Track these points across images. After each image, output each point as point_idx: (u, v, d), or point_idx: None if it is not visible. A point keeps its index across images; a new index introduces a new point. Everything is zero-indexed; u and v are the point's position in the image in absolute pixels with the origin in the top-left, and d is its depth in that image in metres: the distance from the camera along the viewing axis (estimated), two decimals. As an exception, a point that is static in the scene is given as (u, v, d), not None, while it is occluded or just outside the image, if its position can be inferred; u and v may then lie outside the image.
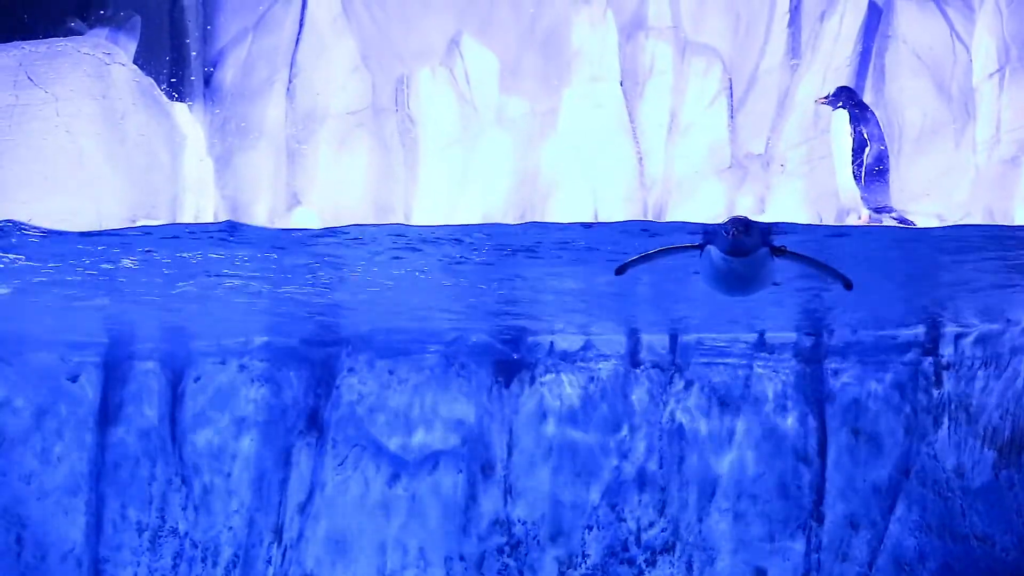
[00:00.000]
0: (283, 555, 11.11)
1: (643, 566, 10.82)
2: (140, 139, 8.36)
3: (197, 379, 11.41)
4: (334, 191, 9.16)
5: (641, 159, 9.31)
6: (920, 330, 10.26)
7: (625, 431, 11.02)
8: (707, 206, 9.10)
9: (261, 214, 8.95)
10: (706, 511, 10.76)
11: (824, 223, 8.81)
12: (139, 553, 11.25)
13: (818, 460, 10.67)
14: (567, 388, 11.12)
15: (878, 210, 8.41)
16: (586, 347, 11.17)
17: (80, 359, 11.39)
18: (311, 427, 11.36)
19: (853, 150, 8.47)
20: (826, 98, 8.63)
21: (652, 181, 9.29)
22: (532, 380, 11.17)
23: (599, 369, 11.13)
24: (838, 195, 8.70)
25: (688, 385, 11.00)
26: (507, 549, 10.96)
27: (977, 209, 8.65)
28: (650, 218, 9.14)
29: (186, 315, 10.35)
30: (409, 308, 9.98)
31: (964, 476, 9.59)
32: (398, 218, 9.16)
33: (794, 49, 9.52)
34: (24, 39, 8.22)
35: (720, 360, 10.98)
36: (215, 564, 11.20)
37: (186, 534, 11.28)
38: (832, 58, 9.24)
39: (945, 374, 10.03)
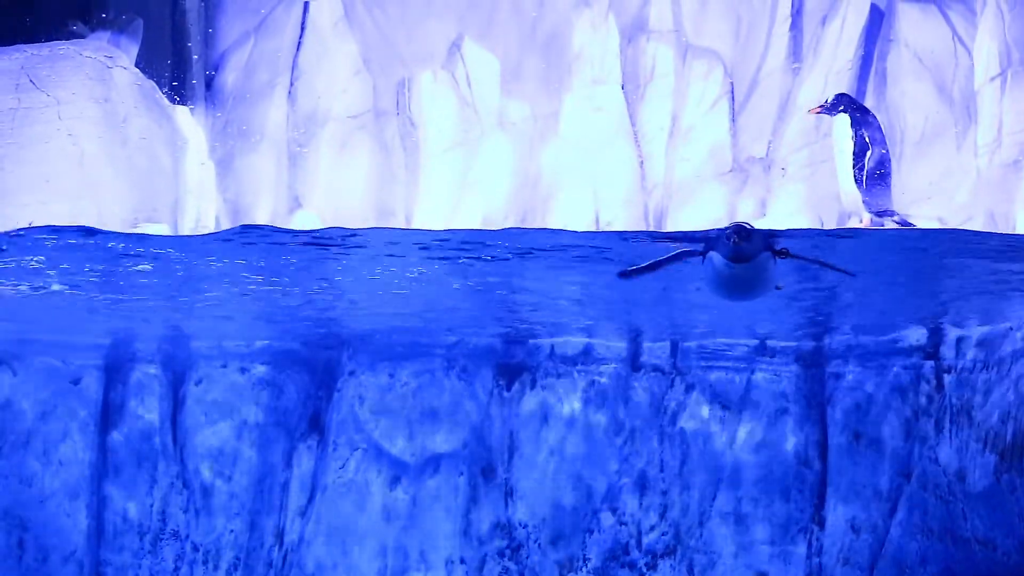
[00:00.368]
0: (284, 558, 11.11)
1: (644, 570, 10.81)
2: (142, 142, 8.37)
3: (199, 382, 11.42)
4: (335, 194, 9.17)
5: (642, 162, 9.32)
6: (922, 333, 10.25)
7: (626, 434, 11.02)
8: (708, 210, 9.11)
9: (262, 217, 8.95)
10: (707, 515, 10.76)
11: (825, 227, 8.81)
12: (140, 556, 11.25)
13: (819, 463, 10.67)
14: (568, 391, 11.12)
15: (880, 213, 8.41)
16: (587, 351, 11.17)
17: (82, 362, 11.39)
18: (312, 430, 11.35)
19: (854, 154, 8.46)
20: (821, 107, 8.62)
21: (653, 184, 9.29)
22: (533, 383, 11.17)
23: (600, 373, 11.12)
24: (840, 199, 8.70)
25: (689, 388, 11.00)
26: (508, 552, 10.96)
27: (978, 212, 8.65)
28: (651, 222, 9.15)
29: (188, 318, 10.36)
30: (410, 311, 9.98)
31: (965, 480, 9.58)
32: (399, 221, 9.17)
33: (796, 52, 9.52)
34: (26, 42, 8.23)
35: (721, 364, 10.98)
36: (216, 567, 11.19)
37: (187, 537, 11.27)
38: (834, 61, 9.24)
39: (946, 377, 10.02)
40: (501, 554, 10.96)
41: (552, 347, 11.21)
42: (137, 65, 8.66)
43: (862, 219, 8.46)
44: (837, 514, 10.43)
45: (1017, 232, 8.28)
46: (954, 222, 8.56)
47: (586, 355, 11.16)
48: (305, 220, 8.82)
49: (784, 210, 9.05)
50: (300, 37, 9.26)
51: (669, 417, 10.99)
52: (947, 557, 9.63)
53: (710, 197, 9.22)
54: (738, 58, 9.58)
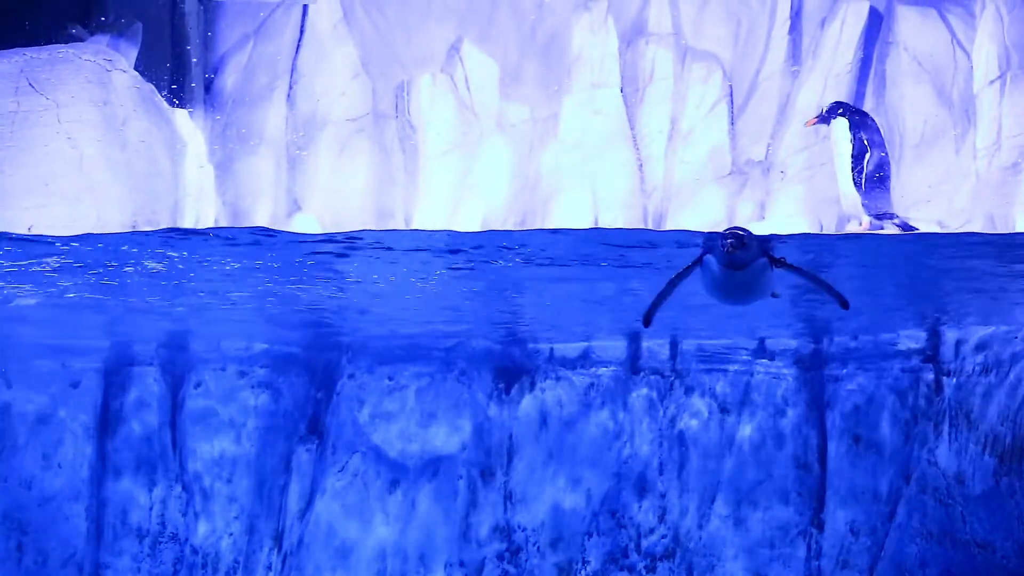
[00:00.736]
0: (283, 561, 11.10)
1: (643, 572, 10.81)
2: (141, 145, 8.36)
3: (197, 385, 11.41)
4: (335, 197, 9.16)
5: (641, 165, 9.31)
6: (921, 336, 10.25)
7: (625, 437, 11.02)
8: (707, 212, 9.11)
9: (261, 220, 8.94)
10: (706, 517, 10.76)
11: (824, 231, 8.81)
12: (139, 559, 11.24)
13: (818, 466, 10.67)
14: (567, 394, 11.12)
15: (879, 216, 8.41)
16: (586, 353, 11.17)
17: (81, 365, 11.38)
18: (311, 433, 11.35)
19: (853, 157, 8.47)
20: (817, 119, 8.63)
21: (652, 187, 9.29)
22: (532, 386, 11.16)
23: (599, 375, 11.12)
24: (839, 202, 8.70)
25: (688, 391, 10.99)
26: (507, 555, 10.95)
27: (978, 215, 8.65)
28: (650, 224, 9.15)
29: (188, 320, 10.36)
30: (410, 314, 9.98)
31: (965, 483, 9.58)
32: (398, 224, 9.16)
33: (795, 55, 9.52)
34: (25, 46, 8.22)
35: (720, 366, 10.98)
36: (215, 570, 11.19)
37: (186, 540, 11.26)
38: (833, 64, 9.24)
39: (946, 380, 10.02)
40: (500, 557, 10.96)
41: (551, 350, 11.21)
42: (136, 68, 8.65)
43: (862, 222, 8.46)
44: (836, 517, 10.43)
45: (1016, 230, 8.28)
46: (953, 225, 8.56)
47: (585, 358, 11.16)
48: (304, 223, 8.81)
49: (783, 213, 9.05)
50: (299, 40, 9.25)
51: (668, 420, 10.99)
52: (946, 560, 9.62)
53: (709, 200, 9.22)
54: (737, 61, 9.58)
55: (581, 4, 9.39)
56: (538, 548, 10.91)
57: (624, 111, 9.28)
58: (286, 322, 10.50)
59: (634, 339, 11.10)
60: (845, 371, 10.63)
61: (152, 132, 8.47)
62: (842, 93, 9.15)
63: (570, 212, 9.07)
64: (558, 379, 11.15)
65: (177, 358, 11.45)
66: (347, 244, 7.63)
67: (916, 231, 8.22)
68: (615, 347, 11.15)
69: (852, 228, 8.55)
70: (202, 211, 8.85)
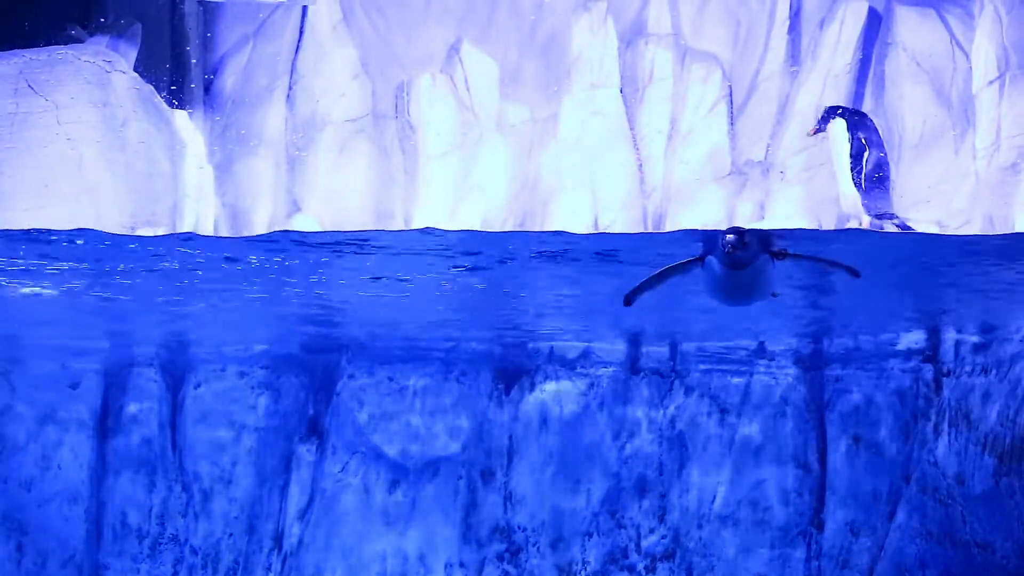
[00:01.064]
0: (283, 562, 11.10)
1: (643, 573, 10.81)
2: (140, 146, 8.36)
3: (197, 386, 11.41)
4: (334, 198, 9.16)
5: (641, 165, 9.31)
6: (921, 336, 10.25)
7: (625, 438, 11.02)
8: (707, 212, 9.10)
9: (261, 221, 8.95)
10: (706, 517, 10.76)
11: (824, 230, 8.80)
12: (139, 560, 11.25)
13: (818, 466, 10.67)
14: (567, 395, 11.12)
15: (878, 216, 8.41)
16: (586, 354, 11.17)
17: (81, 366, 11.39)
18: (311, 434, 11.35)
19: (852, 157, 8.46)
20: (816, 129, 8.64)
21: (652, 188, 9.29)
22: (532, 386, 11.17)
23: (599, 376, 11.12)
24: (838, 201, 8.70)
25: (688, 392, 11.00)
26: (507, 556, 10.95)
27: (977, 216, 8.65)
28: (650, 224, 9.15)
29: (188, 321, 10.36)
30: (409, 315, 9.98)
31: (964, 483, 9.58)
32: (398, 224, 9.16)
33: (794, 56, 9.52)
34: (25, 47, 8.21)
35: (720, 367, 10.98)
36: (215, 571, 11.19)
37: (186, 541, 11.27)
38: (832, 65, 9.24)
39: (945, 381, 10.02)
40: (500, 557, 10.96)
41: (551, 350, 11.21)
42: (136, 69, 8.65)
43: (861, 222, 8.46)
44: (836, 517, 10.43)
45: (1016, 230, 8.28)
46: (952, 225, 8.56)
47: (585, 358, 11.16)
48: (304, 224, 8.81)
49: (782, 213, 9.05)
50: (299, 41, 9.25)
51: (668, 420, 10.99)
52: (946, 560, 9.62)
53: (709, 200, 9.22)
54: (736, 61, 9.58)
55: (581, 5, 9.39)
56: (538, 548, 10.92)
57: (624, 111, 9.28)
58: (286, 323, 10.50)
59: (634, 340, 11.11)
60: (845, 371, 10.63)
61: (152, 133, 8.47)
62: (841, 93, 9.15)
63: (570, 212, 9.06)
64: (558, 379, 11.15)
65: (176, 358, 11.45)
66: (347, 244, 7.64)
67: (913, 231, 8.22)
68: (615, 347, 11.15)
69: (852, 227, 8.55)
70: (201, 212, 8.85)
